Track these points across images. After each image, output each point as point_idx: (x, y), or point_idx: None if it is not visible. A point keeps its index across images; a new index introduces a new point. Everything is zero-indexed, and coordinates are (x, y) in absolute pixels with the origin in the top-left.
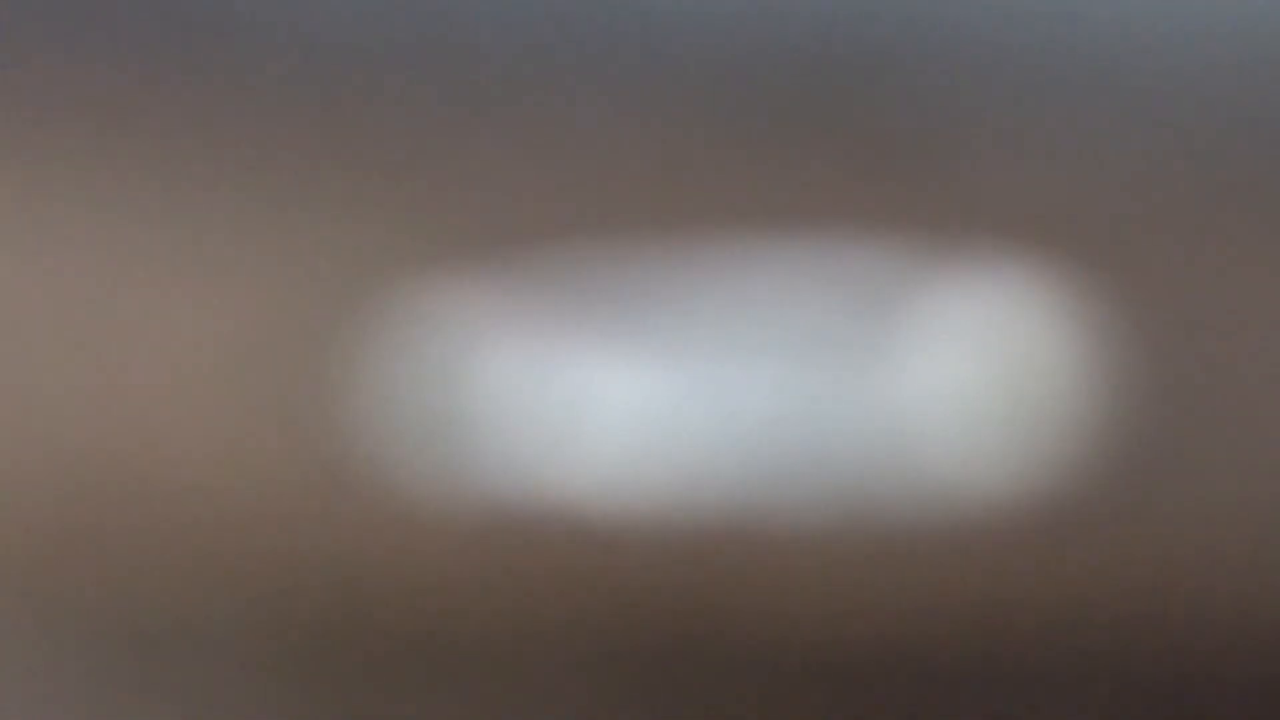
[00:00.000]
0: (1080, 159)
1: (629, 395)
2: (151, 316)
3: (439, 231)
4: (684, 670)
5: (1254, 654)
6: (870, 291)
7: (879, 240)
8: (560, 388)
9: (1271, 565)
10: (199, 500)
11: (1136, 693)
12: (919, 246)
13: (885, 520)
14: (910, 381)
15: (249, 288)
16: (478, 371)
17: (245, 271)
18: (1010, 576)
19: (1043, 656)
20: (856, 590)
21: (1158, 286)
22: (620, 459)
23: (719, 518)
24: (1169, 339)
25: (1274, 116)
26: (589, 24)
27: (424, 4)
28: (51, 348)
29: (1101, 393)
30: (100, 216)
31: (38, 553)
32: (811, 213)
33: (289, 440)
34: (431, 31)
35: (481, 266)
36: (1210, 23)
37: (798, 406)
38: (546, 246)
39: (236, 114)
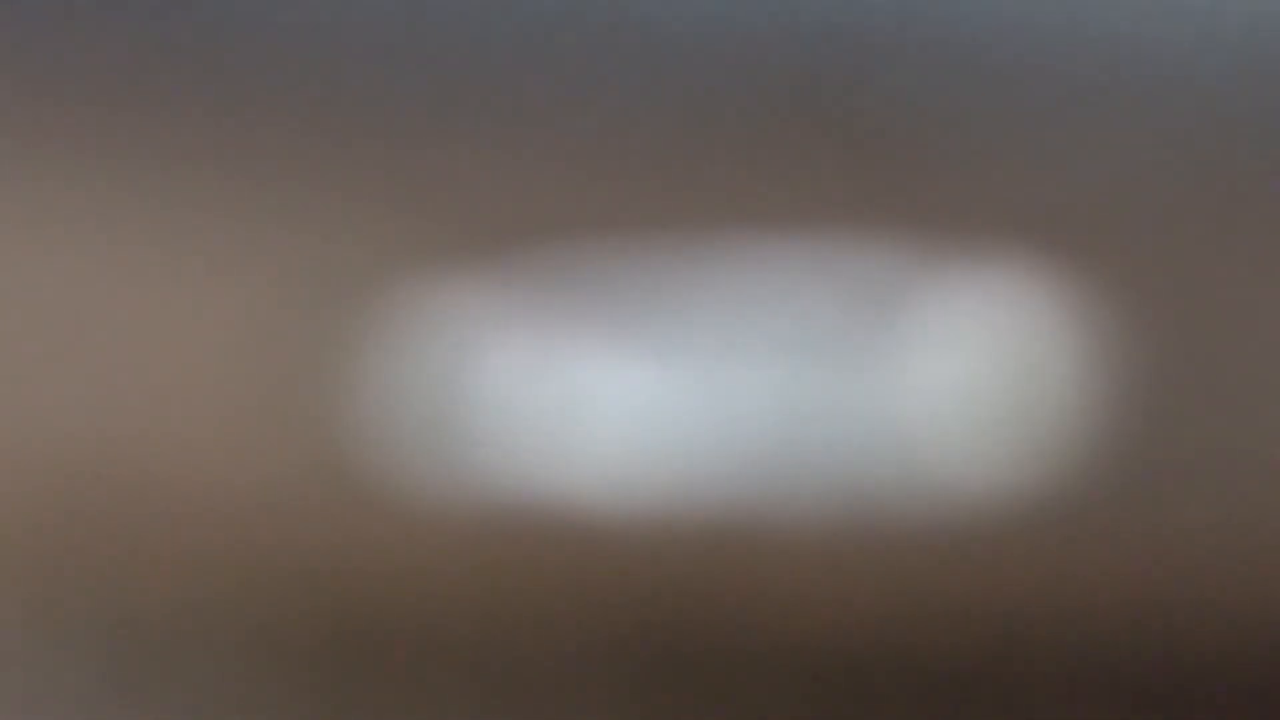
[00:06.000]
0: (1079, 159)
1: (629, 395)
2: (150, 316)
3: (439, 231)
4: (684, 669)
5: (1254, 652)
6: (870, 291)
7: (879, 240)
8: (560, 387)
9: (1272, 564)
10: (199, 500)
11: (1137, 691)
12: (919, 246)
13: (885, 520)
14: (910, 381)
15: (248, 287)
16: (478, 371)
17: (245, 271)
18: (1010, 576)
19: (1043, 655)
20: (856, 589)
21: (1157, 286)
22: (620, 458)
23: (719, 517)
24: (1169, 338)
25: (1273, 116)
26: (588, 24)
27: (425, 4)
28: (51, 349)
29: (1101, 392)
30: (100, 217)
31: (37, 552)
32: (811, 213)
33: (289, 440)
34: (432, 31)
35: (481, 266)
36: (1208, 23)
37: (798, 406)
38: (546, 246)
39: (236, 114)
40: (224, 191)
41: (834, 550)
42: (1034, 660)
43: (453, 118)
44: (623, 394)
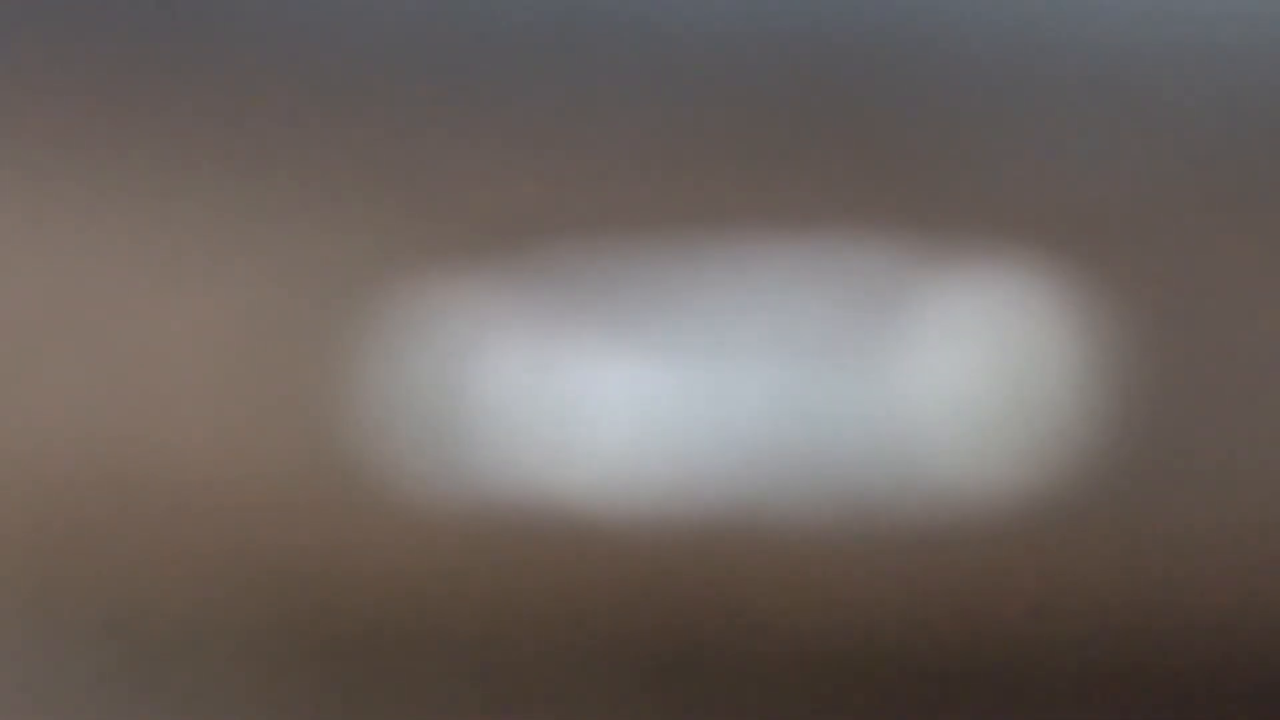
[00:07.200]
0: (1080, 159)
1: (629, 394)
2: (150, 316)
3: (439, 231)
4: (684, 668)
5: (1253, 653)
6: (870, 291)
7: (879, 240)
8: (560, 387)
9: (1271, 564)
10: (199, 500)
11: (1135, 691)
12: (919, 246)
13: (885, 519)
14: (910, 381)
15: (249, 287)
16: (477, 371)
17: (245, 271)
18: (1010, 576)
19: (1042, 655)
20: (856, 589)
21: (1157, 286)
22: (620, 458)
23: (719, 516)
24: (1169, 339)
25: (1274, 116)
26: (589, 24)
27: (424, 4)
28: (50, 349)
29: (1101, 392)
30: (100, 217)
31: (38, 552)
32: (811, 213)
33: (289, 440)
34: (431, 31)
35: (481, 266)
36: (1209, 24)
37: (797, 405)
38: (546, 246)
39: (236, 114)
40: (224, 191)
41: (834, 550)
42: (1034, 660)
43: (453, 118)
44: (623, 394)
